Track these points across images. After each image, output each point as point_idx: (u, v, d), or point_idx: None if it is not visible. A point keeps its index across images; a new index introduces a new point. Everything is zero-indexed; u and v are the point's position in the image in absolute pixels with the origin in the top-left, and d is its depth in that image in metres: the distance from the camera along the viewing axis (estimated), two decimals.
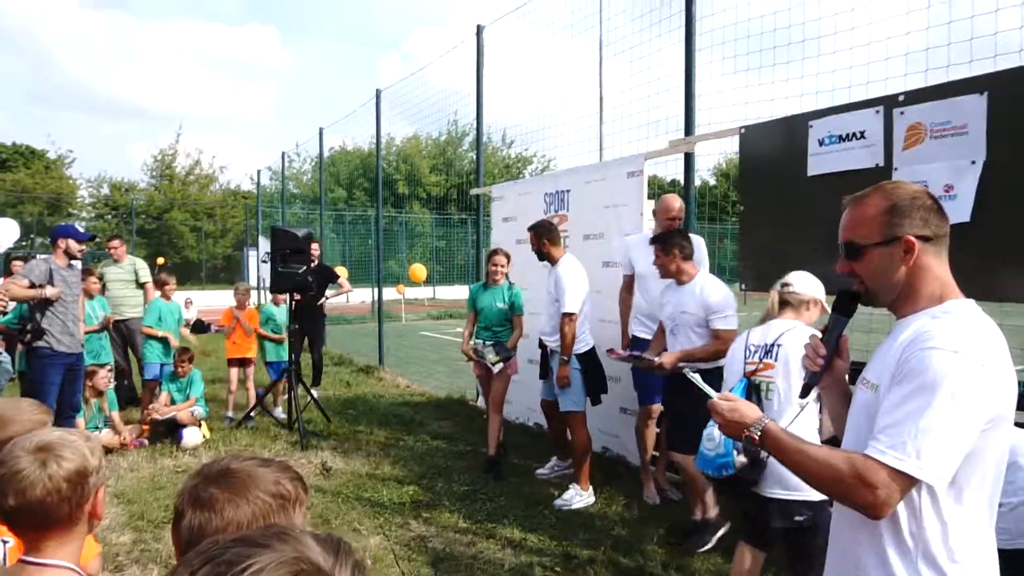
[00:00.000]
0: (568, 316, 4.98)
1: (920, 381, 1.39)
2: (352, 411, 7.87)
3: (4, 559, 1.82)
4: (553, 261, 5.27)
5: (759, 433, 1.57)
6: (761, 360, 3.03)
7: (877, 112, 3.87)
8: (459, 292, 26.83)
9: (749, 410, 1.62)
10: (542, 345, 5.47)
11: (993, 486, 1.47)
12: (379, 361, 10.90)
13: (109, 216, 34.40)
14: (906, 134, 3.72)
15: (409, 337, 16.20)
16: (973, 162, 3.40)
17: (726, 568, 3.89)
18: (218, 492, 1.21)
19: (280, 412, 7.48)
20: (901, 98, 3.75)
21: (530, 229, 5.39)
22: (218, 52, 79.27)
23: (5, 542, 1.83)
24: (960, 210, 3.39)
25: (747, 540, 3.19)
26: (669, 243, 4.21)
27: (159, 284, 7.49)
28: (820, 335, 1.75)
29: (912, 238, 1.51)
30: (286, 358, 7.60)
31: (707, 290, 4.11)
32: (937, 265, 1.53)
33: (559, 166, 7.45)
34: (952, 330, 1.42)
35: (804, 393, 1.75)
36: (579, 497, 4.95)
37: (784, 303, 3.09)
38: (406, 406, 8.20)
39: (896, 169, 3.76)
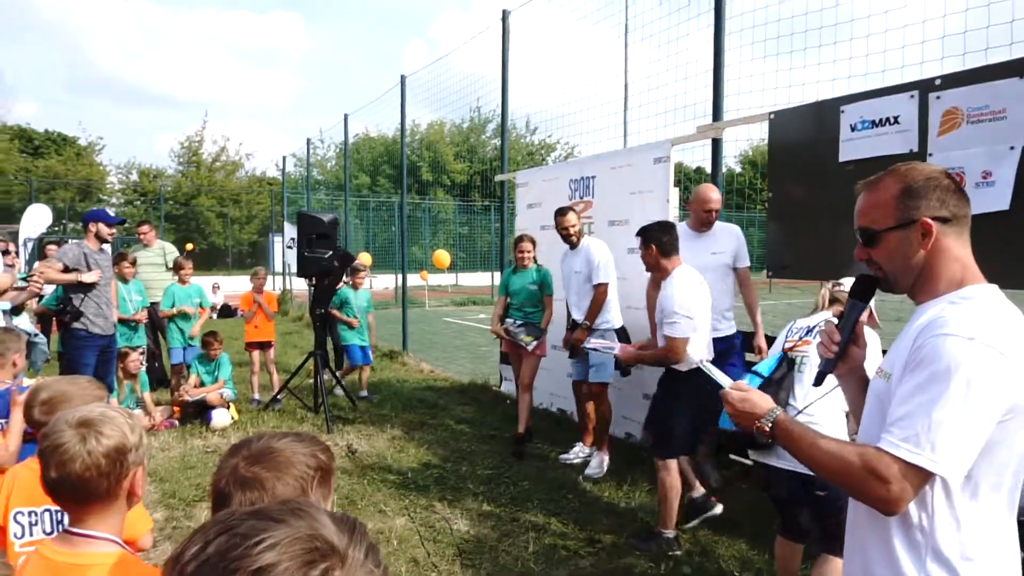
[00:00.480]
0: (600, 286, 5.29)
1: (933, 369, 1.32)
2: (377, 395, 7.94)
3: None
4: (576, 244, 5.56)
5: (770, 425, 1.53)
6: (801, 338, 3.10)
7: (912, 97, 3.80)
8: (482, 279, 26.87)
9: (761, 400, 1.58)
10: (573, 325, 5.56)
11: (1014, 479, 1.39)
12: (403, 346, 10.98)
13: (138, 202, 34.90)
14: (942, 119, 3.65)
15: (432, 323, 16.28)
16: (1012, 147, 3.33)
17: (751, 555, 3.89)
18: (263, 471, 1.24)
19: (364, 393, 7.81)
20: (938, 82, 3.68)
21: (558, 213, 5.57)
22: (244, 40, 79.92)
23: None
24: (999, 198, 3.32)
25: (783, 535, 3.24)
26: (647, 236, 4.04)
27: (175, 268, 7.55)
28: (836, 322, 1.70)
29: (929, 220, 1.45)
30: (366, 342, 7.88)
31: (666, 291, 3.92)
32: (958, 248, 1.47)
33: (583, 153, 7.42)
34: (969, 316, 1.35)
35: (818, 381, 1.70)
36: (605, 463, 5.30)
37: (833, 300, 3.19)
38: (430, 391, 8.26)
39: (931, 155, 3.69)
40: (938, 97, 3.65)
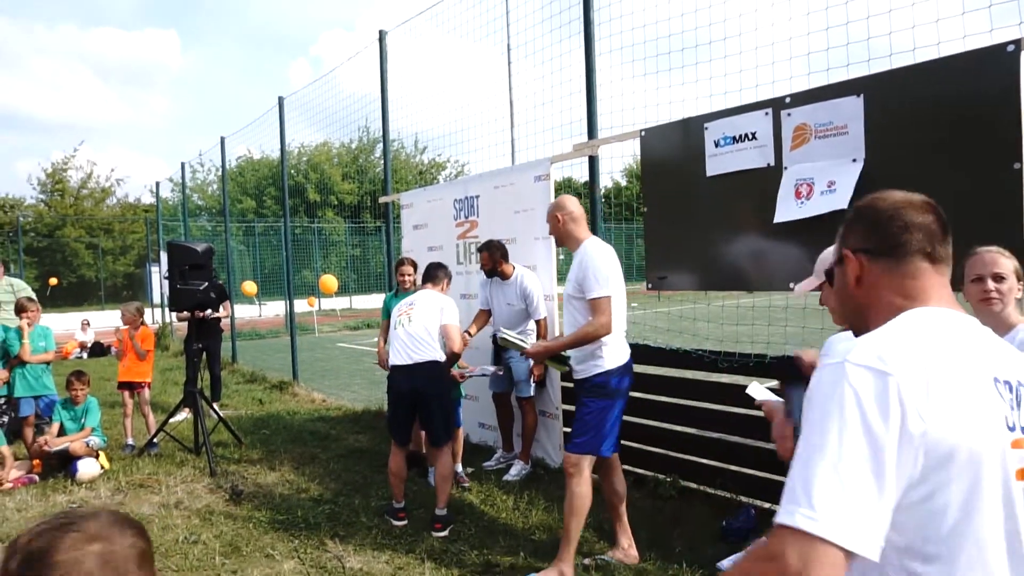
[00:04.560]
0: (543, 320, 5.61)
1: (810, 409, 1.07)
2: (265, 430, 7.58)
3: None
4: (506, 276, 5.62)
5: None
6: None
7: (766, 114, 4.03)
8: (376, 301, 26.38)
9: None
10: (495, 341, 5.62)
11: (1007, 547, 1.07)
12: (293, 376, 10.56)
13: None
14: (793, 134, 3.90)
15: (325, 349, 15.80)
16: (854, 160, 3.59)
17: (646, 565, 3.94)
18: None
19: (459, 468, 5.72)
20: (788, 100, 3.92)
21: (484, 248, 5.65)
22: (112, 58, 75.20)
23: None
24: (839, 200, 3.58)
25: None
26: None
27: (18, 310, 6.62)
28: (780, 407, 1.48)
29: (849, 252, 1.29)
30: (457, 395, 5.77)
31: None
32: (896, 281, 1.23)
33: (472, 171, 7.42)
34: (863, 339, 1.11)
35: None
36: (525, 470, 5.68)
37: None
38: (322, 421, 7.97)
39: (786, 168, 3.93)
40: (789, 114, 3.89)
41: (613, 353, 3.80)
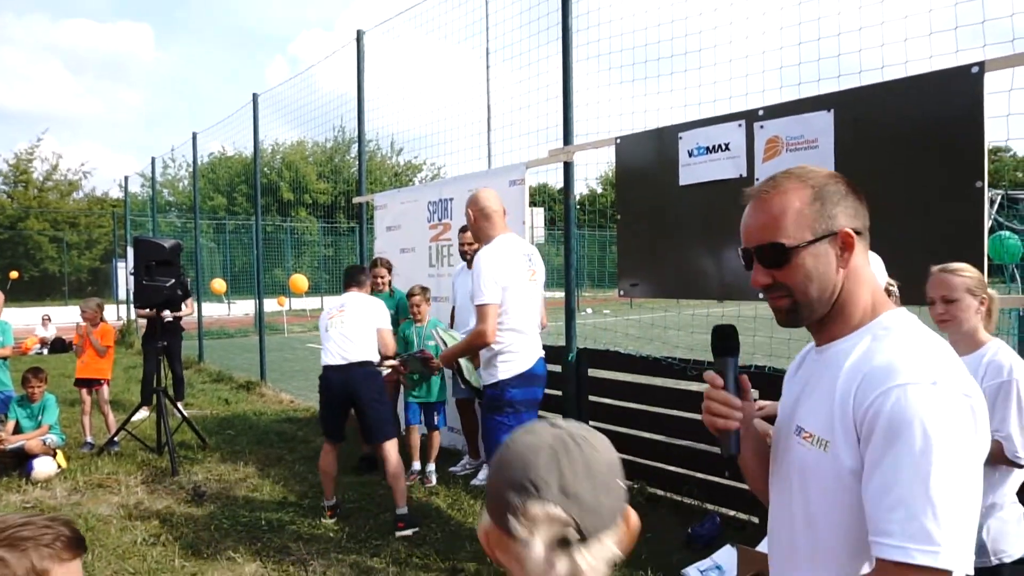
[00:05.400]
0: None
1: (908, 434, 1.03)
2: (230, 431, 7.46)
3: None
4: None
5: None
6: None
7: (740, 125, 4.08)
8: None
9: None
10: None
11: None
12: (261, 376, 10.41)
13: None
14: (766, 146, 3.95)
15: (293, 350, 15.61)
16: None
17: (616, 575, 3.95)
18: None
19: (432, 467, 5.78)
20: (760, 112, 3.97)
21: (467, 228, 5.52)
22: (84, 50, 73.74)
23: None
24: None
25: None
26: None
27: None
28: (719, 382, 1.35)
29: (850, 231, 1.20)
30: (435, 397, 5.75)
31: None
32: (866, 267, 1.23)
33: (449, 174, 7.40)
34: (913, 353, 1.10)
35: (732, 468, 1.42)
36: None
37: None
38: (288, 422, 7.86)
39: (758, 180, 3.97)
40: (761, 127, 3.95)
41: (509, 362, 3.62)
